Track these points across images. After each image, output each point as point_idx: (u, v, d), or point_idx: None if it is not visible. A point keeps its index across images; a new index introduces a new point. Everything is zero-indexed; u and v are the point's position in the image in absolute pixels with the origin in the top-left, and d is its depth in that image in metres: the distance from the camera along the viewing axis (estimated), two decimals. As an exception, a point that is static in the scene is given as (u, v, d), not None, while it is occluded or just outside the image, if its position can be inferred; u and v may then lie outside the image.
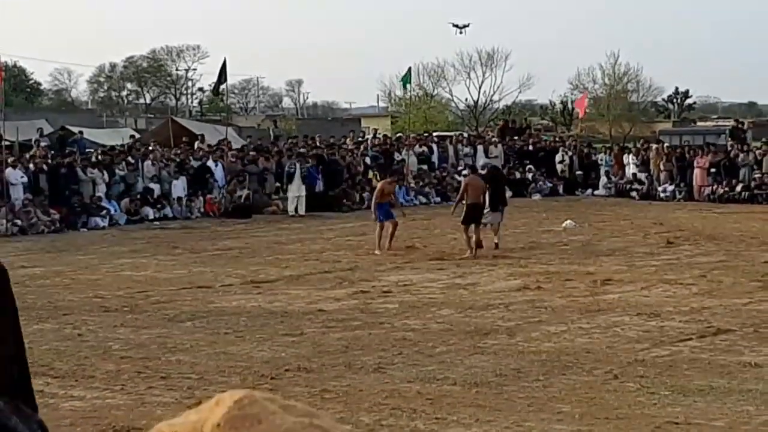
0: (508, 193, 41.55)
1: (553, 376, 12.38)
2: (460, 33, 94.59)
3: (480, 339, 14.68)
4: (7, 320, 7.66)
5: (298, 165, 37.64)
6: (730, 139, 49.44)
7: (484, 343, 14.39)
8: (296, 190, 36.67)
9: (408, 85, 56.68)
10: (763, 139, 49.26)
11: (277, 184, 38.77)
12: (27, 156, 35.91)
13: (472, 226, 24.16)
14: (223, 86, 48.00)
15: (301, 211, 36.05)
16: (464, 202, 24.64)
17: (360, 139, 48.36)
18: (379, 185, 26.22)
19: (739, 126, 54.71)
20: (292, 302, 18.08)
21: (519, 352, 13.83)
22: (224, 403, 1.67)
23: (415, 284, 20.12)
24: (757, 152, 42.43)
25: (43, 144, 39.51)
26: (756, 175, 40.79)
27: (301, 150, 41.26)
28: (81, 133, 45.65)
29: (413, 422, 10.46)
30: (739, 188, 40.53)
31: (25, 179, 33.29)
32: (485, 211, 25.40)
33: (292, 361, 13.30)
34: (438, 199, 40.36)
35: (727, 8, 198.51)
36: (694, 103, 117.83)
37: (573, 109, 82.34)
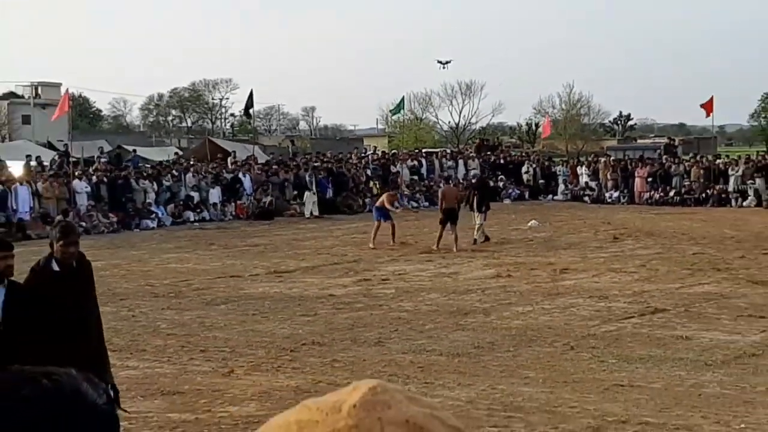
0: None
1: (521, 348, 12.37)
2: (444, 68, 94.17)
3: (461, 318, 14.67)
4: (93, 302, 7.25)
5: (313, 176, 37.77)
6: (664, 153, 49.43)
7: (464, 321, 14.38)
8: (312, 197, 36.71)
9: (402, 111, 56.64)
10: (691, 154, 49.31)
11: (295, 192, 38.74)
12: (90, 170, 35.98)
13: (449, 225, 24.15)
14: (251, 111, 47.97)
15: (316, 213, 36.05)
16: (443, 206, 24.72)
17: (362, 154, 48.37)
18: (385, 196, 26.27)
19: (672, 143, 54.74)
20: (308, 288, 18.05)
21: (493, 328, 13.82)
22: (360, 389, 1.68)
23: (408, 273, 20.09)
24: (686, 164, 42.50)
25: (103, 160, 39.57)
26: (685, 183, 40.83)
27: (315, 164, 41.33)
28: (134, 151, 45.75)
29: (407, 386, 10.42)
30: (672, 194, 40.53)
31: (89, 189, 33.36)
32: (474, 213, 25.89)
33: (307, 337, 13.28)
34: (426, 204, 40.17)
35: (662, 45, 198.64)
36: (635, 124, 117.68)
37: (537, 129, 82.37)
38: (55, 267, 7.48)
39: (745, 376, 10.65)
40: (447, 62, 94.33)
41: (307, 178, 37.73)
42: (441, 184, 30.36)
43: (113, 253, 25.19)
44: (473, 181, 29.00)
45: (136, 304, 16.50)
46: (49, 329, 7.24)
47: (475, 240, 25.44)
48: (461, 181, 45.37)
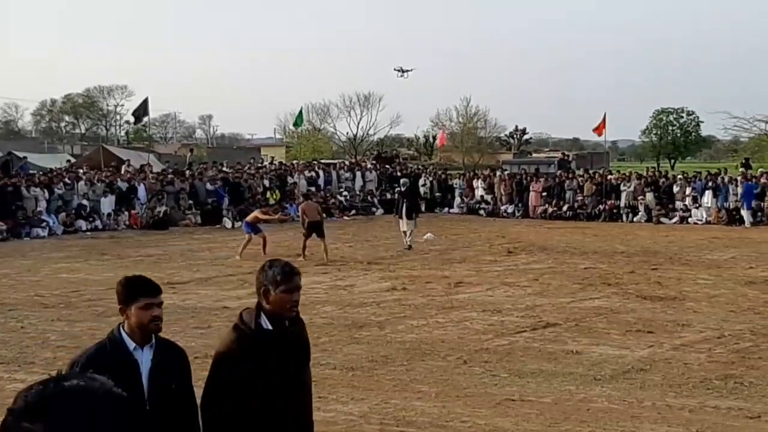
0: (380, 211, 42.02)
1: (414, 362, 12.45)
2: (402, 76, 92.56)
3: (356, 331, 14.70)
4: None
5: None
6: (558, 168, 50.23)
7: (359, 335, 14.41)
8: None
9: (301, 122, 56.45)
10: (584, 169, 50.21)
11: (191, 202, 38.43)
12: (-21, 176, 35.25)
13: (317, 238, 24.86)
14: (145, 119, 47.33)
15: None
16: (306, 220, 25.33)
17: (260, 164, 48.17)
18: (256, 213, 26.86)
19: (566, 158, 55.79)
20: (202, 300, 17.91)
21: (387, 341, 13.87)
22: None
23: (303, 285, 20.00)
24: (580, 179, 43.17)
25: (-8, 166, 38.75)
26: (578, 198, 41.51)
27: (210, 173, 41.14)
28: (25, 157, 44.88)
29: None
30: (565, 208, 41.22)
31: (-23, 196, 32.67)
32: (402, 219, 27.68)
33: (201, 350, 13.12)
34: (323, 215, 40.27)
35: (557, 61, 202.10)
36: (530, 138, 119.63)
37: (434, 141, 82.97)
38: (267, 324, 5.45)
39: (633, 391, 10.89)
40: (407, 70, 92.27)
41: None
42: (300, 199, 31.29)
43: (2, 262, 24.70)
44: (403, 189, 29.86)
45: (25, 315, 16.20)
46: (253, 408, 5.28)
47: (410, 246, 27.28)
48: (357, 192, 45.59)
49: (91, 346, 5.23)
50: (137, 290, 5.26)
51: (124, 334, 5.23)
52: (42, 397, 1.73)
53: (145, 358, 5.23)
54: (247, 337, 5.39)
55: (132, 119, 52.89)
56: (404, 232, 27.83)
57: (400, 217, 28.04)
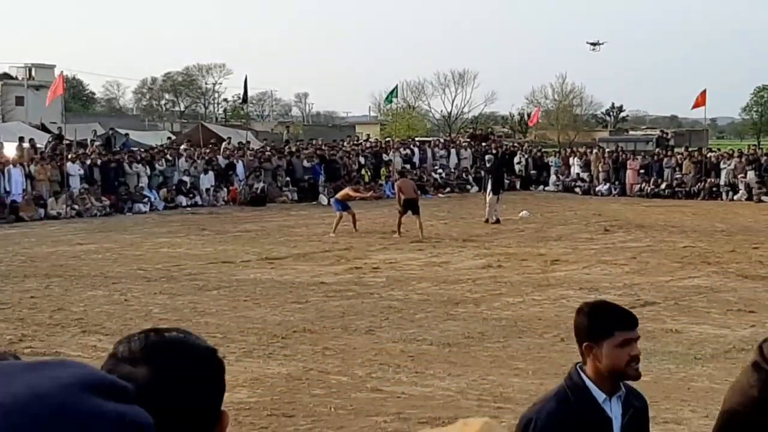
0: (475, 188, 41.86)
1: (511, 339, 12.39)
2: (594, 49, 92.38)
3: (452, 308, 14.68)
4: None
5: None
6: (656, 146, 49.43)
7: (455, 311, 14.39)
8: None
9: (394, 99, 56.21)
10: (684, 146, 49.34)
11: (288, 179, 38.74)
12: (87, 151, 35.99)
13: (412, 215, 24.88)
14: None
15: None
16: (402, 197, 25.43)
17: (355, 142, 48.25)
18: (347, 190, 27.02)
19: (664, 135, 54.76)
20: (299, 275, 18.05)
21: (483, 318, 13.83)
22: (473, 425, 1.83)
23: (398, 262, 20.10)
24: (678, 157, 42.49)
25: (96, 143, 39.45)
26: (677, 176, 40.86)
27: (306, 150, 41.42)
28: (127, 134, 45.61)
29: (397, 375, 10.47)
30: (663, 186, 40.57)
31: (82, 171, 33.38)
32: (489, 196, 28.44)
33: (299, 324, 13.28)
34: (418, 192, 40.24)
35: (655, 37, 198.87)
36: (627, 115, 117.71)
37: (528, 119, 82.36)
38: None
39: (734, 371, 10.59)
40: (600, 44, 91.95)
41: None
42: (395, 176, 31.54)
43: (105, 236, 25.19)
44: (488, 164, 31.31)
45: (128, 288, 16.50)
46: None
47: (498, 219, 28.13)
48: (452, 170, 45.48)
49: (546, 396, 4.02)
50: (611, 322, 3.89)
51: (588, 381, 3.89)
52: (146, 344, 1.86)
53: (615, 413, 3.91)
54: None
55: (231, 98, 53.28)
56: (489, 205, 28.51)
57: (484, 191, 29.14)
